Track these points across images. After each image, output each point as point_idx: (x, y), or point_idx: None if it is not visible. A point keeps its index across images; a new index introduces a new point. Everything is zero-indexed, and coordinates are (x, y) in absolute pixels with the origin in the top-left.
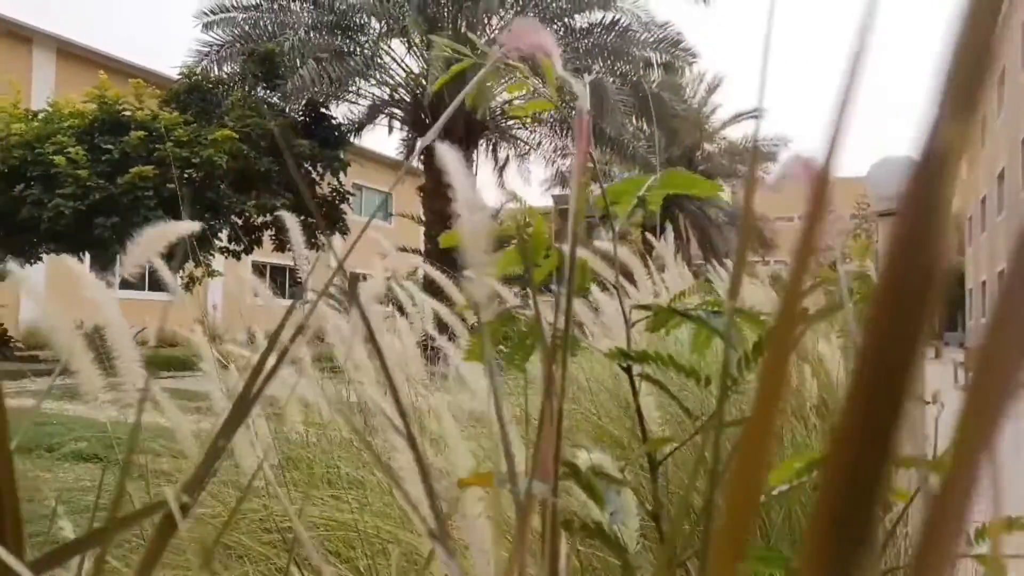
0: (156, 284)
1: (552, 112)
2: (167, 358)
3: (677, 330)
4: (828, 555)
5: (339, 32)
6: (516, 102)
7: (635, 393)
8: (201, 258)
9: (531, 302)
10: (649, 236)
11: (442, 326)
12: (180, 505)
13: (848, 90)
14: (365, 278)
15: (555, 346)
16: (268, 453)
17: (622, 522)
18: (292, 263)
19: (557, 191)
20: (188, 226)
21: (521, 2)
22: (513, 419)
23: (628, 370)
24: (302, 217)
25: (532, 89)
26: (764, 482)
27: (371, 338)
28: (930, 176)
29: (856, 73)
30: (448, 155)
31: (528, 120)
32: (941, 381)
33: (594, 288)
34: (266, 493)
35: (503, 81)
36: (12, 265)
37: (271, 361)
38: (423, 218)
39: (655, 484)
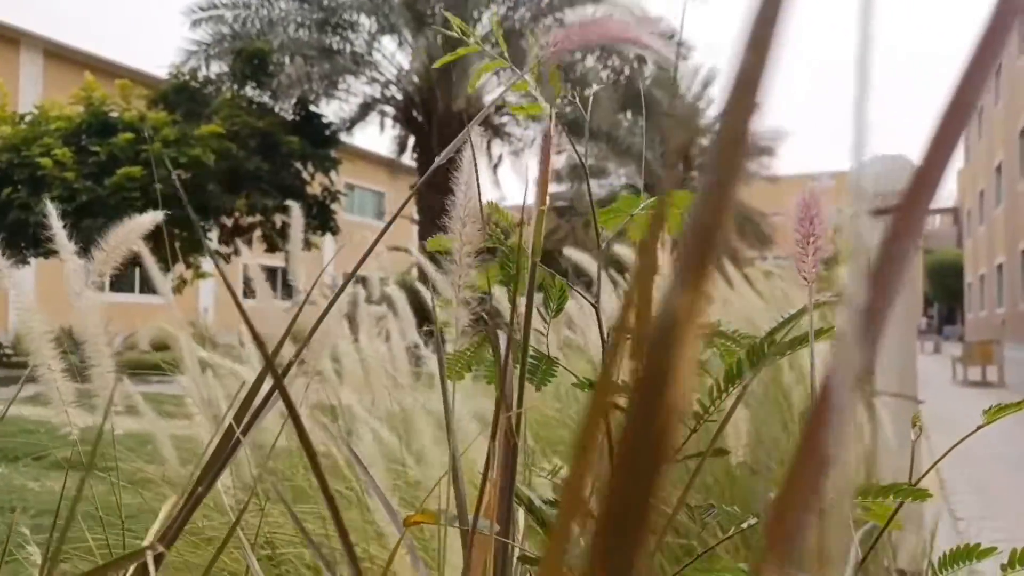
0: (147, 287)
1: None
2: (156, 362)
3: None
4: None
5: (329, 29)
6: (509, 98)
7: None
8: (190, 260)
9: (500, 329)
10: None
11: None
12: (155, 556)
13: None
14: (364, 279)
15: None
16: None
17: None
18: (284, 264)
19: (553, 188)
20: (152, 218)
21: None
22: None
23: None
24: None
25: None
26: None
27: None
28: (665, 345)
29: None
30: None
31: (522, 116)
32: (939, 377)
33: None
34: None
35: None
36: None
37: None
38: (417, 216)
39: None
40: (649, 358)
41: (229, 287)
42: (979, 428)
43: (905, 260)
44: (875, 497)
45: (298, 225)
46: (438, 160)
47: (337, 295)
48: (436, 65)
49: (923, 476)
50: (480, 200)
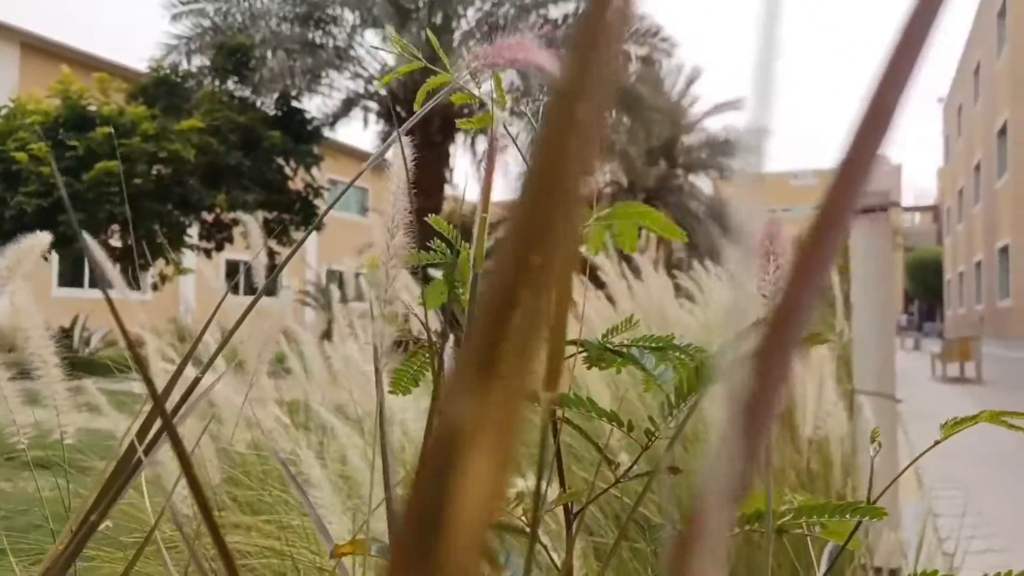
0: (128, 284)
1: (529, 105)
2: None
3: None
4: None
5: (311, 23)
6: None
7: (556, 436)
8: (171, 256)
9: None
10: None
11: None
12: None
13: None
14: (341, 275)
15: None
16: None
17: None
18: (268, 259)
19: None
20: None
21: None
22: None
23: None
24: (274, 213)
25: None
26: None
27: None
28: (442, 462)
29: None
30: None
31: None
32: (917, 374)
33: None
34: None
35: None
36: None
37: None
38: None
39: (570, 539)
40: (419, 482)
41: (105, 284)
42: (936, 443)
43: (820, 273)
44: (831, 516)
45: (254, 223)
46: (372, 159)
47: (256, 299)
48: (384, 81)
49: (881, 494)
50: (408, 209)
